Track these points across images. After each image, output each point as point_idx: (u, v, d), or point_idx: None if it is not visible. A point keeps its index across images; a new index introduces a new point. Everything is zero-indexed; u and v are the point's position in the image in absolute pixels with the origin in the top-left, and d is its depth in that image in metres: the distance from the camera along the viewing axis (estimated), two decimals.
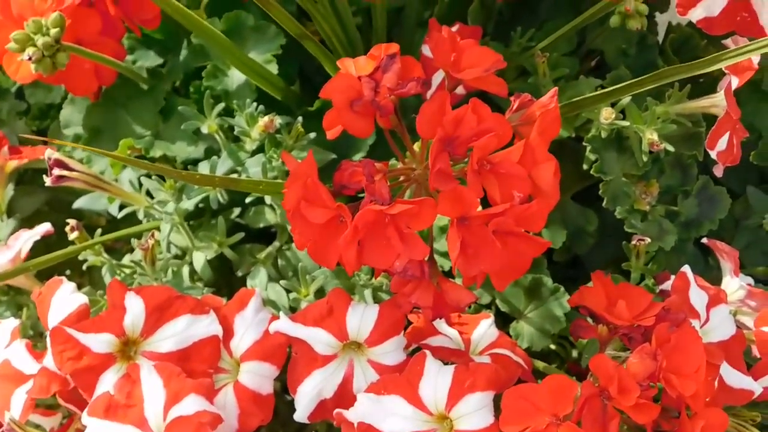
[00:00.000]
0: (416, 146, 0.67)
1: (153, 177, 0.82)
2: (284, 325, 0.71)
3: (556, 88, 0.68)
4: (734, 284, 0.80)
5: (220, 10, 0.93)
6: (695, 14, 0.79)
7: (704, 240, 0.85)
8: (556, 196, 0.66)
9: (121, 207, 0.85)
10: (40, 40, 0.72)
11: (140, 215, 0.82)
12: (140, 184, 0.83)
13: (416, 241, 0.62)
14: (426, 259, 0.63)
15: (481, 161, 0.62)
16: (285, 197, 0.64)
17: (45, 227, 0.88)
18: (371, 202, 0.62)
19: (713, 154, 0.78)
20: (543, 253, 0.85)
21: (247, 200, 0.83)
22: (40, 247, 0.90)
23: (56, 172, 0.74)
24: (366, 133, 0.65)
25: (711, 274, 0.91)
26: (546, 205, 0.65)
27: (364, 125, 0.65)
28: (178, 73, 0.93)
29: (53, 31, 0.72)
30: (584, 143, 0.83)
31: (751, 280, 0.84)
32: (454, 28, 0.89)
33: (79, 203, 0.93)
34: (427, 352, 0.70)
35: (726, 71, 0.77)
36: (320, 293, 0.79)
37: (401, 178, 0.68)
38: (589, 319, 0.72)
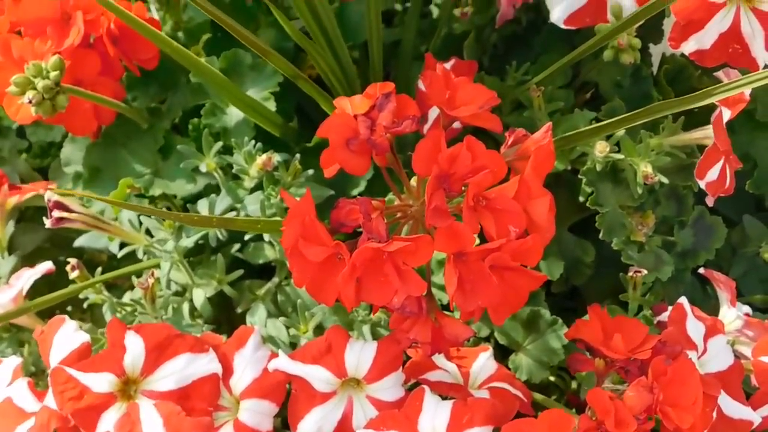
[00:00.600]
0: (412, 182, 0.68)
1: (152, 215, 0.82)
2: (283, 362, 0.72)
3: (550, 123, 0.69)
4: (731, 314, 0.81)
5: (218, 48, 0.94)
6: (687, 47, 0.80)
7: (701, 270, 0.85)
8: (552, 230, 0.66)
9: (122, 245, 0.85)
10: (40, 84, 0.73)
11: (140, 254, 0.83)
12: (140, 223, 0.84)
13: (414, 277, 0.62)
14: (424, 294, 0.64)
15: (477, 197, 0.63)
16: (283, 235, 0.65)
17: (46, 266, 0.89)
18: (369, 239, 0.63)
19: (702, 185, 0.78)
20: (540, 285, 0.87)
21: (246, 237, 0.84)
22: (41, 284, 0.90)
23: (56, 214, 0.75)
24: (362, 171, 0.66)
25: (709, 302, 0.91)
26: (542, 239, 0.65)
27: (360, 163, 0.66)
28: (177, 111, 0.94)
29: (53, 74, 0.73)
30: (580, 176, 0.83)
31: (748, 309, 0.85)
32: (450, 63, 0.90)
33: (79, 242, 0.93)
34: (426, 387, 0.70)
35: (717, 103, 0.77)
36: (319, 329, 0.80)
37: (398, 215, 0.69)
38: (586, 353, 0.72)
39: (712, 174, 0.78)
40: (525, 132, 0.71)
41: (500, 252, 0.62)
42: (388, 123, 0.65)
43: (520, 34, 1.00)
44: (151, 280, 0.77)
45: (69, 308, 0.99)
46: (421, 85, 0.91)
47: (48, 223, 0.76)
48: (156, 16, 1.15)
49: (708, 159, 0.78)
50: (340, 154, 0.66)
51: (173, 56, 0.74)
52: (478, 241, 0.64)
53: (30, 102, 0.73)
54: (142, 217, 0.84)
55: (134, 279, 0.82)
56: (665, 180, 0.80)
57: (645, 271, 0.80)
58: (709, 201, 0.81)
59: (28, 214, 1.07)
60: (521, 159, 0.68)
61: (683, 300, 0.76)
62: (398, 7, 1.15)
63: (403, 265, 0.62)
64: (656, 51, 1.00)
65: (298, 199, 0.79)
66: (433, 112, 0.86)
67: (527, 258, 0.65)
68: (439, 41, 1.00)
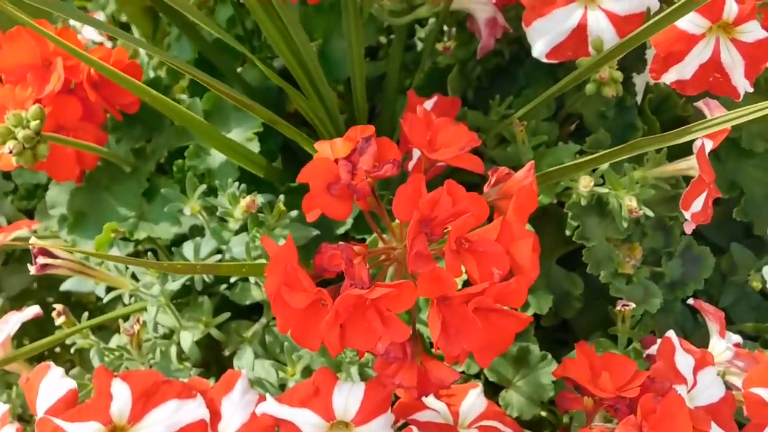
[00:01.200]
0: (396, 224, 0.68)
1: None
2: (271, 406, 0.71)
3: (533, 162, 0.69)
4: (721, 345, 0.80)
5: (202, 88, 0.94)
6: (668, 78, 0.81)
7: (690, 301, 0.85)
8: (536, 271, 0.66)
9: (108, 290, 0.85)
10: (20, 134, 0.73)
11: (125, 299, 0.82)
12: (126, 267, 0.83)
13: (397, 323, 0.62)
14: (409, 339, 0.64)
15: (460, 240, 0.63)
16: (266, 283, 0.65)
17: (34, 310, 0.88)
18: (351, 285, 0.63)
19: (687, 216, 0.78)
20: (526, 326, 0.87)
21: (233, 278, 0.84)
22: (30, 324, 0.90)
23: (40, 260, 0.75)
24: (344, 216, 0.66)
25: (700, 331, 0.91)
26: (526, 281, 0.65)
27: (342, 208, 0.66)
28: (163, 152, 0.94)
29: (33, 124, 0.73)
30: (565, 210, 0.83)
31: (739, 338, 0.84)
32: (432, 100, 0.90)
33: (66, 285, 0.93)
34: (414, 428, 0.70)
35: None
36: (308, 371, 0.80)
37: (382, 257, 0.68)
38: (575, 391, 0.72)
39: (697, 205, 0.78)
40: (508, 170, 0.71)
41: (484, 295, 0.62)
42: (368, 167, 0.65)
43: (504, 67, 1.00)
44: (136, 327, 0.76)
45: (57, 349, 0.99)
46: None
47: (32, 270, 0.75)
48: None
49: (694, 190, 0.78)
50: (322, 199, 0.66)
51: (153, 105, 0.74)
52: (465, 277, 0.64)
53: (10, 152, 0.73)
54: None
55: (121, 323, 0.82)
56: (650, 213, 0.80)
57: (633, 305, 0.80)
58: (688, 228, 0.81)
59: (15, 256, 1.07)
60: (504, 198, 0.68)
61: (671, 334, 0.76)
62: (383, 39, 1.15)
63: (386, 311, 0.62)
64: (640, 80, 1.00)
65: (283, 241, 0.79)
66: (417, 152, 0.86)
67: (512, 300, 0.64)
68: (423, 75, 1.00)
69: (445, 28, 1.04)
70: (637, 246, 0.84)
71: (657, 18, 0.71)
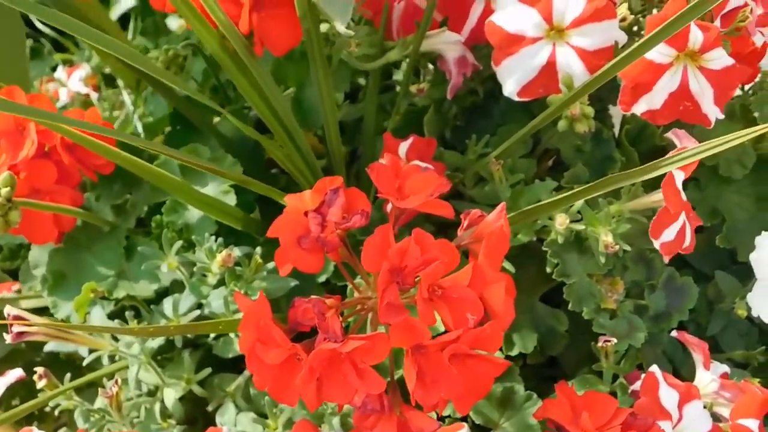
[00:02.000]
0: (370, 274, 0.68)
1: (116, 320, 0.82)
2: None
3: (504, 204, 0.69)
4: (707, 377, 0.80)
5: (178, 141, 0.94)
6: (638, 108, 0.81)
7: (674, 333, 0.84)
8: (511, 314, 0.66)
9: (92, 349, 0.85)
10: None
11: (104, 360, 0.82)
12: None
13: (372, 375, 0.62)
14: (387, 389, 0.64)
15: (432, 288, 0.62)
16: (240, 340, 0.65)
17: (16, 374, 0.87)
18: (325, 339, 0.62)
19: (657, 245, 0.78)
20: (515, 357, 0.86)
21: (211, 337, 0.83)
22: (19, 386, 0.89)
23: (15, 329, 0.75)
24: (316, 269, 0.66)
25: (690, 362, 0.90)
26: (500, 325, 0.65)
27: (313, 261, 0.66)
28: (142, 207, 0.94)
29: (4, 191, 0.73)
30: (544, 248, 0.83)
31: (726, 368, 0.84)
32: (409, 141, 0.90)
33: (49, 347, 0.93)
34: None
35: None
36: (290, 423, 0.79)
37: (358, 307, 0.68)
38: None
39: (668, 234, 0.78)
40: (480, 213, 0.71)
41: (458, 342, 0.62)
42: (337, 219, 0.65)
43: (479, 105, 1.00)
44: (114, 389, 0.76)
45: (47, 409, 0.99)
46: None
47: (8, 338, 0.75)
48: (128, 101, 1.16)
49: (660, 220, 0.77)
50: (292, 253, 0.66)
51: (125, 167, 0.74)
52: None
53: None
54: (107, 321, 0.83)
55: (106, 382, 0.81)
56: (627, 247, 0.80)
57: (615, 340, 0.80)
58: (666, 258, 0.81)
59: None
60: (477, 242, 0.68)
61: (655, 368, 0.76)
62: (363, 82, 1.15)
63: (361, 363, 0.62)
64: (617, 111, 1.00)
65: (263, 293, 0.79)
66: None
67: (487, 345, 0.64)
68: (399, 117, 1.00)
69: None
70: (619, 280, 0.84)
71: (626, 52, 0.71)
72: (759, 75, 0.99)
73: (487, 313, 0.65)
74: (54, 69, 1.41)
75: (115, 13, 1.44)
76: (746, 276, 0.92)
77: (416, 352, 0.62)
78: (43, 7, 0.59)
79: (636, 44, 0.70)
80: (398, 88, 1.09)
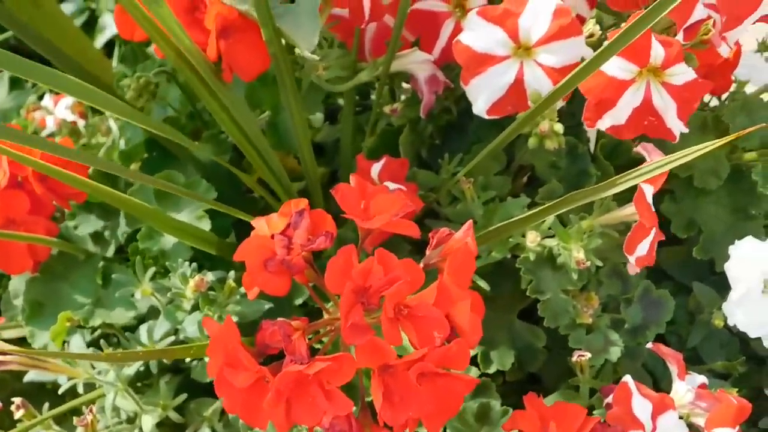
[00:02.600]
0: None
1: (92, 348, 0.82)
2: None
3: (471, 221, 0.69)
4: (682, 388, 0.80)
5: (155, 167, 0.95)
6: (603, 124, 0.81)
7: (649, 345, 0.84)
8: (478, 332, 0.66)
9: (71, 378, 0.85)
10: None
11: (80, 389, 0.82)
12: None
13: (339, 396, 0.62)
14: (359, 410, 0.64)
15: (398, 307, 0.63)
16: (208, 364, 0.65)
17: None
18: (291, 361, 0.63)
19: (631, 260, 0.78)
20: (494, 374, 0.86)
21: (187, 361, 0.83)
22: (3, 415, 0.89)
23: None
24: (283, 292, 0.66)
25: (670, 374, 0.90)
26: (467, 342, 0.65)
27: (279, 284, 0.66)
28: (120, 235, 0.94)
29: None
30: (517, 265, 0.83)
31: (704, 379, 0.83)
32: (381, 162, 0.90)
33: (29, 376, 0.93)
34: None
35: None
36: None
37: (328, 328, 0.68)
38: None
39: (642, 249, 0.78)
40: (449, 231, 0.71)
41: (425, 361, 0.62)
42: (303, 241, 0.66)
43: (454, 123, 1.00)
44: (89, 417, 0.76)
45: None
46: None
47: None
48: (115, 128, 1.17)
49: (635, 235, 0.78)
50: (259, 276, 0.66)
51: (98, 197, 0.74)
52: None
53: None
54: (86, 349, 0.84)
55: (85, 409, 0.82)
56: (599, 263, 0.80)
57: (589, 355, 0.80)
58: (632, 270, 0.81)
59: None
60: (445, 260, 0.68)
61: (627, 378, 0.76)
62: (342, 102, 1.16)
63: (327, 384, 0.62)
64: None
65: (234, 318, 0.79)
66: None
67: (455, 363, 0.64)
68: (376, 137, 1.00)
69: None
70: (594, 295, 0.84)
71: (582, 64, 0.72)
72: (734, 85, 1.00)
73: (457, 333, 0.65)
74: (41, 97, 1.42)
75: (100, 41, 1.46)
76: (725, 286, 0.92)
77: (383, 372, 0.63)
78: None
79: (592, 56, 0.71)
80: None
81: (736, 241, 0.87)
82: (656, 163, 0.69)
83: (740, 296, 0.86)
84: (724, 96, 1.03)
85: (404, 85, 1.04)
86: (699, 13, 0.81)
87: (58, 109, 1.36)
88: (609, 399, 0.77)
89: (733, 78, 0.99)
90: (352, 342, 0.61)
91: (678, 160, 0.69)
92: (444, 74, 0.95)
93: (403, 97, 1.05)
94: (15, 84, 1.34)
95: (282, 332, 0.63)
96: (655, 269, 0.98)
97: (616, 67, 0.78)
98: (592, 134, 1.01)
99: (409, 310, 0.63)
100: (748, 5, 0.81)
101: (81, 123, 1.34)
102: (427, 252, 0.71)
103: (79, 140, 1.30)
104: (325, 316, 0.69)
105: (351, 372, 0.62)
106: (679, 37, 0.81)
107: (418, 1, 0.93)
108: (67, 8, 1.51)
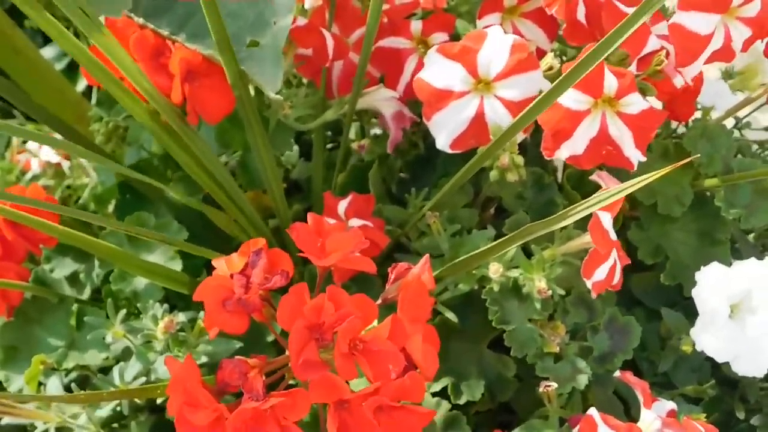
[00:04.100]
0: None
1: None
2: None
3: (427, 255, 0.70)
4: (649, 416, 0.80)
5: (128, 209, 0.96)
6: (561, 154, 0.82)
7: (617, 373, 0.85)
8: (434, 364, 0.67)
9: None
10: None
11: None
12: None
13: (295, 431, 0.63)
14: None
15: (353, 342, 0.64)
16: (168, 403, 0.66)
17: None
18: (249, 398, 0.64)
19: (589, 284, 0.79)
20: (462, 406, 0.87)
21: (159, 401, 0.84)
22: None
23: None
24: (240, 330, 0.67)
25: None
26: (423, 375, 0.66)
27: (237, 323, 0.67)
28: (95, 278, 0.95)
29: None
30: (483, 296, 0.84)
31: (673, 405, 0.84)
32: (347, 199, 0.92)
33: (5, 421, 0.94)
34: None
35: None
36: None
37: (289, 365, 0.69)
38: None
39: (600, 274, 0.79)
40: (408, 265, 0.72)
41: (379, 395, 0.63)
42: (260, 280, 0.67)
43: (423, 157, 1.02)
44: None
45: None
46: None
47: None
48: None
49: (591, 260, 0.79)
50: (217, 316, 0.67)
51: (67, 242, 0.76)
52: None
53: None
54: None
55: None
56: (561, 291, 0.81)
57: (555, 385, 0.80)
58: (593, 294, 0.82)
59: None
60: None
61: (592, 411, 0.76)
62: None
63: (283, 420, 0.63)
64: None
65: (205, 358, 0.81)
66: None
67: (411, 395, 0.65)
68: (345, 173, 1.02)
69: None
70: (560, 324, 0.85)
71: (539, 98, 0.73)
72: (699, 113, 1.01)
73: (415, 366, 0.66)
74: (25, 141, 1.45)
75: (81, 85, 1.48)
76: (695, 311, 0.93)
77: (339, 408, 0.64)
78: None
79: (548, 89, 0.72)
80: None
81: (702, 267, 0.88)
82: (614, 190, 0.69)
83: (707, 322, 0.87)
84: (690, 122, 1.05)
85: (374, 120, 1.05)
86: (652, 44, 0.83)
87: (43, 152, 1.39)
88: (576, 429, 0.78)
89: (698, 106, 1.00)
90: (305, 378, 0.62)
91: (635, 185, 0.69)
92: (410, 109, 0.97)
93: (373, 132, 1.07)
94: None
95: (238, 370, 0.64)
96: (626, 295, 0.99)
97: (571, 98, 0.79)
98: (559, 164, 1.03)
99: (363, 344, 0.64)
100: (699, 42, 0.82)
101: (65, 164, 1.36)
102: (387, 287, 0.72)
103: (63, 182, 1.32)
104: (287, 353, 0.71)
105: (306, 407, 0.63)
106: (633, 68, 0.83)
107: (383, 38, 0.95)
108: (49, 52, 1.53)
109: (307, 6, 0.97)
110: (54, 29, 0.69)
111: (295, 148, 1.16)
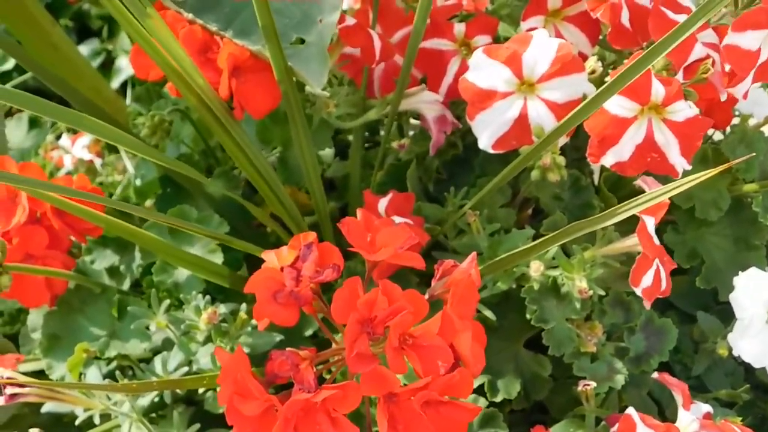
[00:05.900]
0: None
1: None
2: None
3: (475, 253, 0.71)
4: (687, 417, 0.81)
5: (169, 202, 0.97)
6: (607, 161, 0.83)
7: (654, 374, 0.86)
8: (481, 361, 0.68)
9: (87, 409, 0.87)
10: None
11: (96, 420, 0.84)
12: None
13: (345, 424, 0.64)
14: None
15: (403, 337, 0.65)
16: (218, 393, 0.67)
17: None
18: (299, 390, 0.65)
19: (638, 292, 0.80)
20: (501, 404, 0.88)
21: (200, 392, 0.85)
22: None
23: (8, 391, 0.77)
24: (291, 322, 0.68)
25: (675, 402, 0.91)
26: (470, 371, 0.66)
27: (288, 315, 0.68)
28: (135, 269, 0.96)
29: None
30: (522, 295, 0.85)
31: (709, 408, 0.85)
32: (388, 197, 0.93)
33: (46, 407, 0.95)
34: None
35: (638, 214, 0.79)
36: None
37: (336, 358, 0.70)
38: None
39: (647, 280, 0.80)
40: (454, 263, 0.73)
41: (428, 389, 0.64)
42: (311, 273, 0.68)
43: (461, 157, 1.02)
44: None
45: None
46: None
47: (1, 401, 0.77)
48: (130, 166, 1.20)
49: (640, 266, 0.79)
50: (268, 308, 0.68)
51: (113, 232, 0.77)
52: None
53: None
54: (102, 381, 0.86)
55: None
56: (601, 292, 0.82)
57: (594, 384, 0.81)
58: (647, 304, 0.82)
59: None
60: (449, 291, 0.70)
61: (631, 411, 0.77)
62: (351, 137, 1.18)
63: (333, 412, 0.64)
64: None
65: (246, 349, 0.81)
66: None
67: (458, 391, 0.66)
68: (383, 172, 1.02)
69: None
70: (597, 324, 0.85)
71: (584, 102, 0.74)
72: (738, 119, 1.02)
73: (461, 362, 0.67)
74: (59, 137, 1.46)
75: (116, 82, 1.50)
76: (729, 316, 0.94)
77: (388, 401, 0.64)
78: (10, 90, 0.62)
79: (593, 95, 0.73)
80: None
81: (740, 271, 0.88)
82: (654, 192, 0.70)
83: (744, 327, 0.87)
84: (728, 130, 1.05)
85: (412, 120, 1.06)
86: (698, 52, 0.84)
87: (75, 149, 1.40)
88: (614, 429, 0.79)
89: (736, 113, 1.01)
90: (357, 371, 0.63)
91: (676, 189, 0.70)
92: (450, 110, 0.98)
93: (411, 132, 1.07)
94: (33, 124, 1.38)
95: (290, 362, 0.65)
96: (660, 298, 0.99)
97: (617, 105, 0.80)
98: (595, 166, 1.03)
99: (413, 339, 0.65)
100: (751, 59, 0.83)
101: (98, 162, 1.38)
102: (433, 283, 0.73)
103: (95, 178, 1.34)
104: (333, 346, 0.71)
105: (357, 400, 0.63)
106: (680, 75, 0.84)
107: (426, 40, 0.96)
108: (84, 50, 1.55)
109: (344, 6, 0.98)
110: (122, 17, 0.70)
111: None
